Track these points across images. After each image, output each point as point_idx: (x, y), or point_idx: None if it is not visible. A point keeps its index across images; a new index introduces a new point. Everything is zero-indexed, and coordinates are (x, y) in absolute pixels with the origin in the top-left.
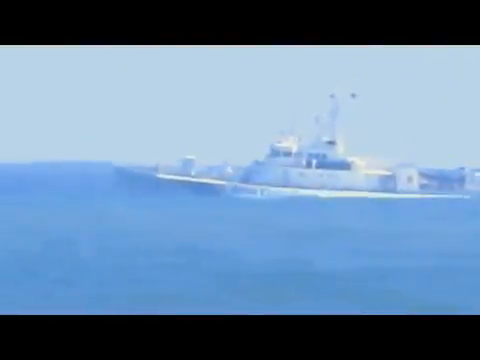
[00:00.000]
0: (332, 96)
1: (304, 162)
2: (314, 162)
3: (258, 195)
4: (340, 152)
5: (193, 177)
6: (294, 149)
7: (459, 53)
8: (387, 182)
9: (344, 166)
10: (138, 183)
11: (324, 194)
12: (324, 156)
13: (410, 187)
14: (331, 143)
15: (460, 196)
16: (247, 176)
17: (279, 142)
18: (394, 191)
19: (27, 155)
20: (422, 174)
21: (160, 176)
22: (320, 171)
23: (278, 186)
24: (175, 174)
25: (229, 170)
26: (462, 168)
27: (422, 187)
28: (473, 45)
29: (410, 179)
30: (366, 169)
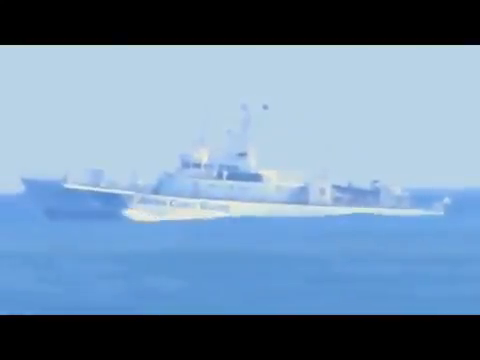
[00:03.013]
0: (243, 107)
1: (215, 173)
2: (225, 174)
3: (167, 206)
4: (252, 164)
5: (102, 188)
6: (204, 160)
7: (373, 60)
8: (299, 194)
9: (255, 178)
10: (46, 194)
11: (234, 205)
12: (235, 168)
13: (322, 200)
14: (242, 155)
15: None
16: (157, 187)
17: (189, 153)
18: (306, 204)
19: None
20: (335, 187)
21: (68, 186)
22: (231, 182)
23: (188, 197)
24: (84, 185)
25: (139, 182)
26: (376, 181)
27: (335, 200)
28: (375, 46)
29: (322, 192)
30: (278, 181)
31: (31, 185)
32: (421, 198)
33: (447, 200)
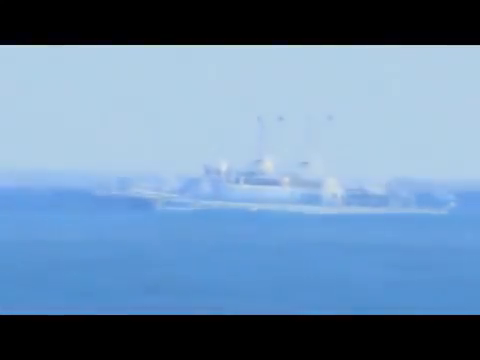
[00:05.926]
0: (259, 118)
1: (233, 179)
2: (242, 179)
3: (190, 208)
4: (269, 170)
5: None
6: (224, 167)
7: (384, 68)
8: (311, 196)
9: (270, 182)
10: (75, 199)
11: (253, 207)
12: (252, 173)
13: (334, 201)
14: (259, 161)
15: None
16: (181, 191)
17: (211, 161)
18: (318, 205)
19: None
20: (345, 188)
21: (97, 192)
22: (248, 186)
23: (209, 200)
24: (112, 190)
25: (165, 187)
26: (385, 184)
27: (346, 201)
28: (375, 46)
29: (334, 195)
30: (291, 185)
31: (61, 191)
32: (428, 199)
33: (452, 201)
